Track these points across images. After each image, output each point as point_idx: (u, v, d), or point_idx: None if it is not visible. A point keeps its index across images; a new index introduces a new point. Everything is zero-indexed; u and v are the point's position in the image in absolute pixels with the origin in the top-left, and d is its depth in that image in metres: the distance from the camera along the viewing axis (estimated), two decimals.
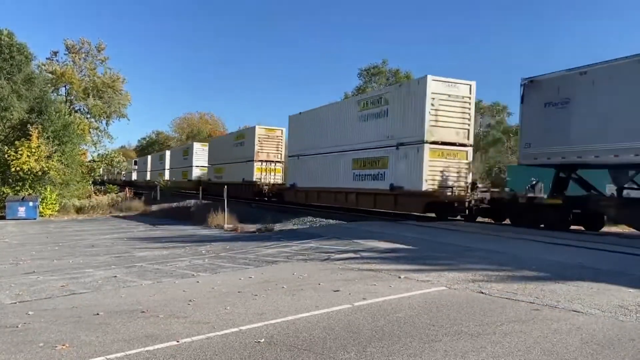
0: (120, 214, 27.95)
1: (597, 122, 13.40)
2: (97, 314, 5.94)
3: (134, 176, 65.18)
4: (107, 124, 43.88)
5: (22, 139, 26.83)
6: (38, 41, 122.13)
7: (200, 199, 25.91)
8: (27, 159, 26.02)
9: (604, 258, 9.42)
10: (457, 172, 17.17)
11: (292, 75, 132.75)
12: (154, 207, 28.37)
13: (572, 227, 14.82)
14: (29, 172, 26.41)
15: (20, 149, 26.17)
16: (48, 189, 27.40)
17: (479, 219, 17.73)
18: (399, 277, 7.65)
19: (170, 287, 7.68)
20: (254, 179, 29.33)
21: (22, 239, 16.06)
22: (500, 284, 7.01)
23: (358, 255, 10.06)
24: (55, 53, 42.09)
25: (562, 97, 14.32)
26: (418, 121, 16.97)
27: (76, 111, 41.30)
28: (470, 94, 17.43)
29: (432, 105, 16.66)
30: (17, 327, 5.46)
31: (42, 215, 25.78)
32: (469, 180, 17.37)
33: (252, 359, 4.22)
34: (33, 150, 26.32)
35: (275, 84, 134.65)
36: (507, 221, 16.85)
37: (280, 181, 29.63)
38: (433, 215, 18.33)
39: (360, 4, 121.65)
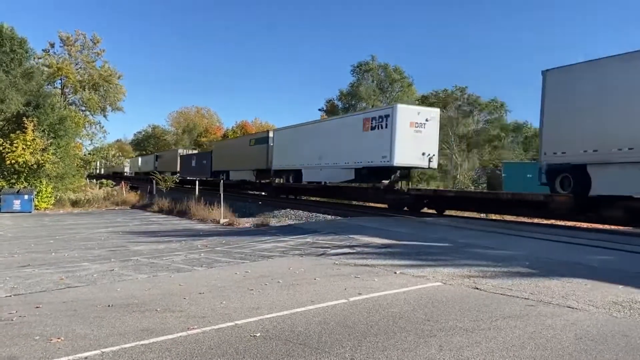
0: (116, 208, 27.87)
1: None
2: (93, 308, 5.93)
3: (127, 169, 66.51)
4: (104, 116, 43.49)
5: (18, 132, 26.65)
6: (31, 35, 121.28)
7: (196, 193, 25.81)
8: (22, 151, 25.81)
9: (597, 255, 9.48)
10: None
11: (291, 73, 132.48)
12: (150, 201, 28.23)
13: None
14: (24, 165, 26.22)
15: (15, 141, 25.97)
16: (43, 182, 27.21)
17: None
18: (395, 273, 7.68)
19: (166, 281, 7.68)
20: None
21: (17, 232, 15.99)
22: (495, 279, 7.05)
23: (354, 251, 10.08)
24: (52, 45, 41.63)
25: None
26: None
27: (70, 104, 40.93)
28: None
29: None
30: (12, 320, 5.46)
31: (37, 209, 25.62)
32: None
33: (247, 353, 4.23)
34: (28, 143, 26.11)
35: (273, 82, 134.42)
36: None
37: None
38: (432, 211, 20.16)
39: (353, 2, 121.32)
